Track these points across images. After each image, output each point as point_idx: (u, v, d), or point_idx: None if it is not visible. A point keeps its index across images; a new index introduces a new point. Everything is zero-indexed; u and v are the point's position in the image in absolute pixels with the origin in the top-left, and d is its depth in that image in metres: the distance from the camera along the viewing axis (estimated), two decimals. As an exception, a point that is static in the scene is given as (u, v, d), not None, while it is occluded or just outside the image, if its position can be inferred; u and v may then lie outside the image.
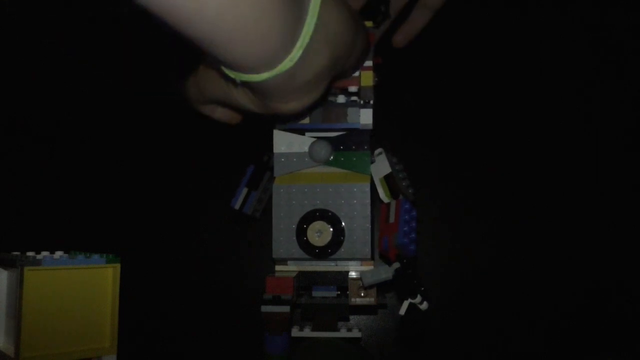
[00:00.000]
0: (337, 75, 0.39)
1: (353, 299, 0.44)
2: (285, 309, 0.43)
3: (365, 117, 0.44)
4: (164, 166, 0.59)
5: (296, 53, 0.30)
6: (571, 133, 0.57)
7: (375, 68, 0.44)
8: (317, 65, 0.33)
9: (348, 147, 0.45)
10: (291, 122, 0.45)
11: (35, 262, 0.37)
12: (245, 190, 0.46)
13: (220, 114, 0.45)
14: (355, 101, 0.45)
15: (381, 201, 0.45)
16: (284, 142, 0.45)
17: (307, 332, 0.44)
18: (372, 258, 0.45)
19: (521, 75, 0.57)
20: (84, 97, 0.60)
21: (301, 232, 0.44)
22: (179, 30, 0.27)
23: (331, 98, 0.45)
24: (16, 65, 0.60)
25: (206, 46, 0.29)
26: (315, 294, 0.46)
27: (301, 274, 0.45)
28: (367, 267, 0.44)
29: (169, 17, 0.26)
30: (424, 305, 0.39)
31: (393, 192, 0.44)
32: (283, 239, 0.44)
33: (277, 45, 0.30)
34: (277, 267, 0.46)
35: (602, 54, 0.57)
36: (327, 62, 0.34)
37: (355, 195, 0.44)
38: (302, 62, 0.31)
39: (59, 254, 0.40)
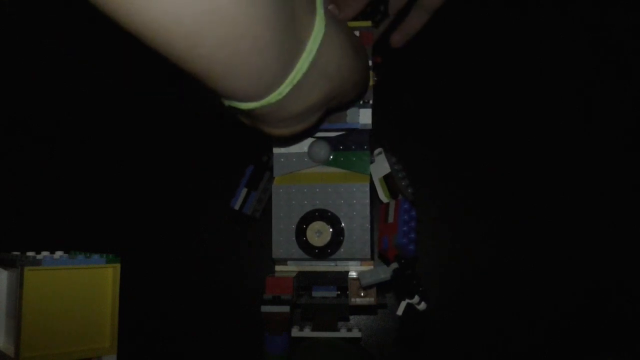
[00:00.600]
0: (334, 108, 0.39)
1: (353, 299, 0.44)
2: (285, 309, 0.43)
3: (365, 117, 0.44)
4: (164, 166, 0.59)
5: (285, 88, 0.30)
6: (571, 133, 0.57)
7: (375, 67, 0.44)
8: (309, 99, 0.32)
9: (347, 147, 0.44)
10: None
11: (35, 262, 0.37)
12: (244, 191, 0.46)
13: None
14: (354, 101, 0.45)
15: (380, 201, 0.45)
16: (284, 142, 0.45)
17: (307, 332, 0.44)
18: (372, 258, 0.45)
19: (521, 75, 0.57)
20: (84, 97, 0.60)
21: (301, 232, 0.44)
22: (173, 62, 0.27)
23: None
24: (16, 65, 0.60)
25: (195, 76, 0.28)
26: (315, 294, 0.46)
27: (301, 274, 0.45)
28: (367, 267, 0.44)
29: (163, 52, 0.26)
30: (422, 306, 0.39)
31: (392, 192, 0.44)
32: (283, 239, 0.44)
33: (267, 81, 0.29)
34: (277, 267, 0.46)
35: (602, 54, 0.57)
36: (321, 96, 0.33)
37: (355, 195, 0.44)
38: (292, 96, 0.31)
39: (59, 254, 0.41)
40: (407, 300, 0.39)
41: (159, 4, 0.23)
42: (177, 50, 0.26)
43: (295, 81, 0.30)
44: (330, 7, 0.43)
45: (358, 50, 0.37)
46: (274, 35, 0.27)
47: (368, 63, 0.41)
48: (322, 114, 0.36)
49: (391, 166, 0.44)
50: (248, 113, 0.32)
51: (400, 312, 0.39)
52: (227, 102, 0.31)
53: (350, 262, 0.45)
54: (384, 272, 0.40)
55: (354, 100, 0.42)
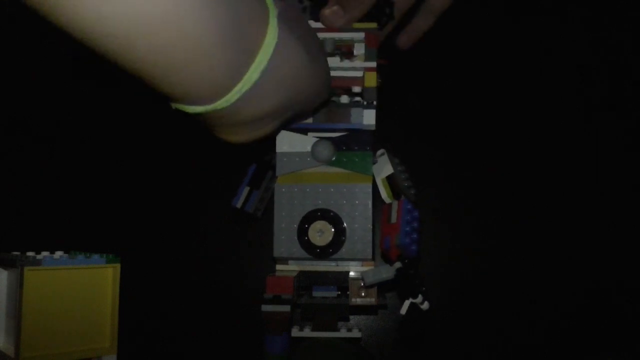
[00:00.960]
0: (297, 115, 0.38)
1: (353, 299, 0.44)
2: (286, 308, 0.42)
3: (369, 118, 0.44)
4: (164, 166, 0.59)
5: (233, 96, 0.29)
6: (571, 133, 0.57)
7: (379, 69, 0.44)
8: (262, 107, 0.32)
9: (350, 147, 0.45)
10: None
11: (35, 262, 0.37)
12: (247, 189, 0.46)
13: None
14: (358, 102, 0.45)
15: (383, 201, 0.45)
16: (287, 142, 0.45)
17: (307, 332, 0.44)
18: (373, 259, 0.45)
19: (523, 76, 0.57)
20: (84, 97, 0.60)
21: (302, 232, 0.44)
22: (112, 60, 0.26)
23: (334, 98, 0.45)
24: (16, 65, 0.60)
25: (138, 77, 0.28)
26: (315, 294, 0.46)
27: (302, 274, 0.45)
28: (368, 268, 0.44)
29: (98, 48, 0.26)
30: (425, 305, 0.39)
31: (395, 192, 0.44)
32: (284, 238, 0.44)
33: (211, 88, 0.29)
34: (278, 267, 0.46)
35: (602, 54, 0.57)
36: (275, 105, 0.33)
37: (357, 195, 0.44)
38: (243, 104, 0.30)
39: (59, 254, 0.41)
40: (411, 300, 0.39)
41: (86, 5, 0.23)
42: (109, 51, 0.26)
43: (244, 90, 0.29)
44: (335, 7, 0.43)
45: (317, 57, 0.36)
46: (216, 44, 0.27)
47: (328, 69, 0.40)
48: (282, 122, 0.36)
49: (394, 167, 0.44)
50: (196, 117, 0.31)
51: (403, 311, 0.39)
52: (173, 105, 0.31)
53: (351, 263, 0.45)
54: (387, 272, 0.40)
55: (318, 107, 0.41)
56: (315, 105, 0.40)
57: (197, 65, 0.27)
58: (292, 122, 0.42)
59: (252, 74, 0.30)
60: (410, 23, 0.52)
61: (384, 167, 0.44)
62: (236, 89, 0.29)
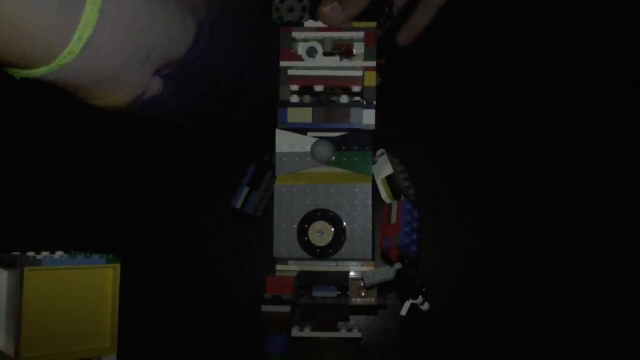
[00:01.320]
0: (165, 65, 0.34)
1: (353, 299, 0.44)
2: (286, 308, 0.42)
3: (368, 118, 0.44)
4: (164, 166, 0.59)
5: (75, 45, 0.27)
6: (571, 133, 0.57)
7: (379, 69, 0.44)
8: (115, 55, 0.29)
9: (350, 147, 0.44)
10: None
11: (35, 262, 0.37)
12: (246, 190, 0.46)
13: None
14: (358, 101, 0.45)
15: (382, 201, 0.45)
16: (286, 142, 0.45)
17: (307, 332, 0.44)
18: (373, 259, 0.45)
19: (523, 75, 0.57)
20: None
21: (302, 232, 0.44)
22: None
23: (334, 98, 0.45)
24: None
25: None
26: (315, 294, 0.46)
27: (302, 274, 0.45)
28: (368, 268, 0.44)
29: None
30: (425, 306, 0.39)
31: (395, 192, 0.44)
32: (284, 238, 0.44)
33: (46, 41, 0.26)
34: (278, 267, 0.46)
35: (602, 54, 0.57)
36: (130, 50, 0.29)
37: (357, 195, 0.44)
38: (91, 53, 0.27)
39: (59, 254, 0.41)
40: (411, 301, 0.39)
41: None
42: None
43: (86, 36, 0.27)
44: (334, 4, 0.42)
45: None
46: None
47: (189, 7, 0.35)
48: (150, 74, 0.32)
49: (394, 167, 0.44)
50: (52, 83, 0.28)
51: (404, 312, 0.39)
52: (16, 74, 0.28)
53: (351, 263, 0.45)
54: (387, 272, 0.40)
55: (183, 53, 0.35)
56: (182, 47, 0.35)
57: (16, 17, 0.24)
58: (165, 68, 0.36)
59: (89, 18, 0.27)
60: (410, 19, 0.52)
61: (383, 167, 0.44)
62: (76, 36, 0.27)
